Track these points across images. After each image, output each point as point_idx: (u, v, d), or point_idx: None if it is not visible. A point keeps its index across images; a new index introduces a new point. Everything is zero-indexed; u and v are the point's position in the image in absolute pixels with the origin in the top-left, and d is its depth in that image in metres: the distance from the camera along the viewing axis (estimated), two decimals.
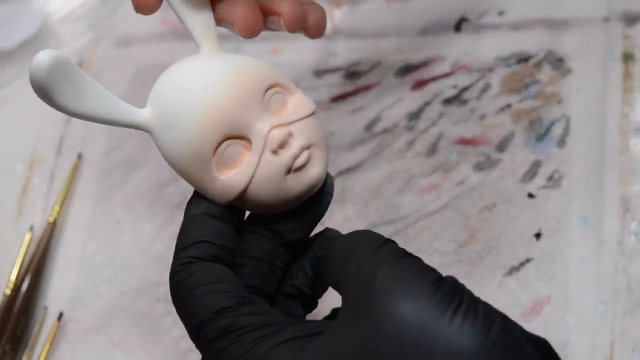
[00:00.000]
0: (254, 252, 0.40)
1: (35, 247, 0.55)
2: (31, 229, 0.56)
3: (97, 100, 0.40)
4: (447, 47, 0.57)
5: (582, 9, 0.56)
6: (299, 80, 0.58)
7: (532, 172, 0.51)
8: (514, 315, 0.47)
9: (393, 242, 0.36)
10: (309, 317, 0.41)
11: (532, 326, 0.46)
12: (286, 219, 0.40)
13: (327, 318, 0.40)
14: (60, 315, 0.52)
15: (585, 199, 0.50)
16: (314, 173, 0.41)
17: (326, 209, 0.41)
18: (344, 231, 0.52)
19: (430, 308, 0.32)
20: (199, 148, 0.39)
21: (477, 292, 0.48)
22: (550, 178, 0.51)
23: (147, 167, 0.58)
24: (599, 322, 0.46)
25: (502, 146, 0.52)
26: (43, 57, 0.38)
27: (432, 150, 0.53)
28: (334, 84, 0.57)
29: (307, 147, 0.41)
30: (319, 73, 0.58)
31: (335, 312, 0.39)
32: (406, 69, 0.57)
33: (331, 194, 0.42)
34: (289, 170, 0.41)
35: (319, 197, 0.41)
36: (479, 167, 0.52)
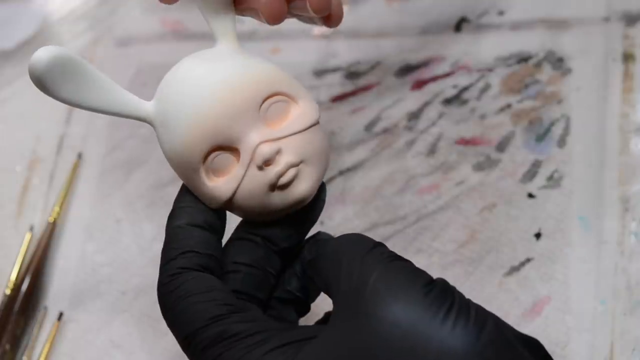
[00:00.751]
0: (246, 259, 0.39)
1: (35, 247, 0.55)
2: (31, 229, 0.55)
3: (101, 92, 0.41)
4: (447, 47, 0.57)
5: (582, 9, 0.56)
6: (298, 80, 0.58)
7: (532, 172, 0.51)
8: (514, 315, 0.47)
9: (383, 245, 0.36)
10: (303, 321, 0.41)
11: (532, 326, 0.46)
12: (278, 226, 0.40)
13: (319, 322, 0.40)
14: (60, 315, 0.52)
15: (585, 199, 0.50)
16: (300, 190, 0.40)
17: (318, 216, 0.41)
18: (344, 231, 0.52)
19: (422, 311, 0.33)
20: (188, 153, 0.40)
21: (477, 292, 0.48)
22: (550, 178, 0.51)
23: (147, 167, 0.58)
24: (599, 322, 0.46)
25: (502, 146, 0.52)
26: (41, 52, 0.39)
27: (432, 150, 0.53)
28: (334, 84, 0.57)
29: (296, 165, 0.40)
30: (319, 73, 0.58)
31: (327, 315, 0.39)
32: (406, 69, 0.57)
33: (324, 201, 0.41)
34: (273, 188, 0.40)
35: (311, 204, 0.41)
36: (478, 167, 0.52)
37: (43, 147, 0.59)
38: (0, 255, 0.55)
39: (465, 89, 0.55)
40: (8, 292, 0.53)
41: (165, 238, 0.39)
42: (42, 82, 0.39)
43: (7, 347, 0.51)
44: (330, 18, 0.45)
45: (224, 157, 0.40)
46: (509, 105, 0.54)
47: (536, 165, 0.51)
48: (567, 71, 0.54)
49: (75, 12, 0.65)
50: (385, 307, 0.33)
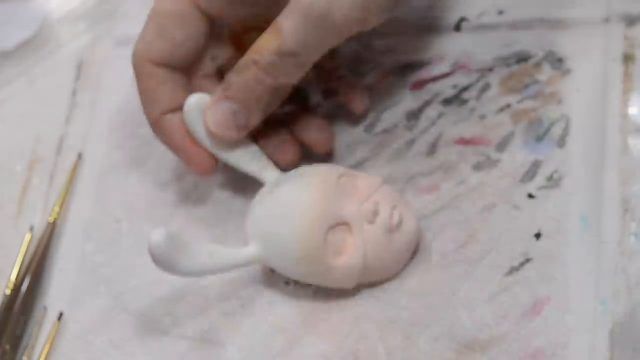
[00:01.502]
0: None
1: (35, 247, 0.55)
2: (31, 229, 0.55)
3: (207, 259, 0.47)
4: (447, 47, 0.57)
5: (582, 9, 0.56)
6: None
7: (532, 172, 0.51)
8: (514, 315, 0.47)
9: None
10: None
11: (532, 326, 0.46)
12: None
13: None
14: (60, 315, 0.52)
15: (585, 199, 0.49)
16: (411, 227, 0.48)
17: None
18: None
19: None
20: (305, 265, 0.47)
21: (477, 292, 0.48)
22: (550, 178, 0.51)
23: (147, 167, 0.58)
24: (599, 322, 0.46)
25: (501, 146, 0.52)
26: (157, 236, 0.46)
27: (432, 150, 0.53)
28: None
29: (394, 207, 0.48)
30: None
31: None
32: (406, 69, 0.57)
33: None
34: (391, 229, 0.47)
35: None
36: (478, 167, 0.52)
37: (43, 147, 0.59)
38: (0, 255, 0.55)
39: (465, 89, 0.55)
40: (8, 292, 0.53)
41: None
42: (163, 261, 0.46)
43: (7, 347, 0.51)
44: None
45: (337, 236, 0.47)
46: (508, 105, 0.54)
47: (536, 165, 0.51)
48: (567, 71, 0.54)
49: (75, 12, 0.65)
50: None
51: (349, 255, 0.47)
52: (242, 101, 0.48)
